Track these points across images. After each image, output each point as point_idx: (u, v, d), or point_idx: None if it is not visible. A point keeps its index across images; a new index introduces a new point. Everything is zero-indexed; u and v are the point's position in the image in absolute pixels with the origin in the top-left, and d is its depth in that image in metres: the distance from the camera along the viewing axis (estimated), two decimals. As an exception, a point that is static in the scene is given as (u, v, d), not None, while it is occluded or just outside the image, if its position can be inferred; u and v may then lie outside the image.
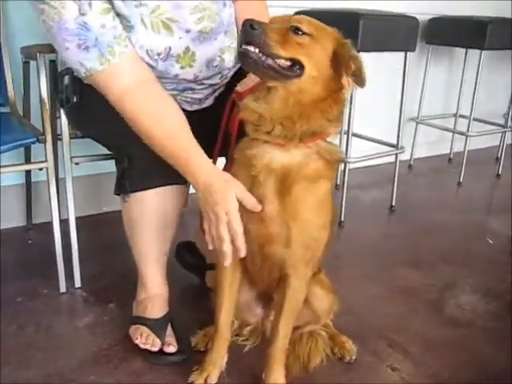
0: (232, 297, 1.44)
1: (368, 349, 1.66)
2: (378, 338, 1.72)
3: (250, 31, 1.16)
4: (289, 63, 1.19)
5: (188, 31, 1.45)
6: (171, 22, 1.42)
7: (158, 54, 1.42)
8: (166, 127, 1.35)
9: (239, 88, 1.46)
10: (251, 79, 1.42)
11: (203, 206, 1.28)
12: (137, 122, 1.36)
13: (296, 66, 1.19)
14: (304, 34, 1.20)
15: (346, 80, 1.23)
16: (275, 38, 1.18)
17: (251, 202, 1.24)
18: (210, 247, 1.27)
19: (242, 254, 1.24)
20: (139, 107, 1.36)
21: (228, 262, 1.24)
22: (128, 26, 1.38)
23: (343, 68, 1.22)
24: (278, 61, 1.18)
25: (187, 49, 1.46)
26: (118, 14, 1.37)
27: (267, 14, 1.66)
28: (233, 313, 1.47)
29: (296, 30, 1.19)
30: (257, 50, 1.17)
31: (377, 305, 1.92)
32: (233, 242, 1.23)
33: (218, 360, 1.46)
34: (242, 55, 1.19)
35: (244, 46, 1.18)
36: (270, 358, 1.42)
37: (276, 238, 1.28)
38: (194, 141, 1.33)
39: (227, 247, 1.23)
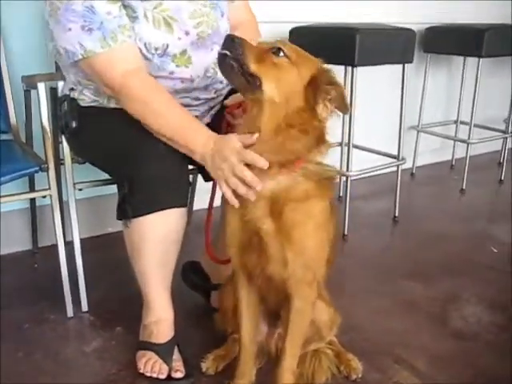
0: (251, 315, 1.46)
1: (374, 366, 1.67)
2: (384, 354, 1.73)
3: (230, 41, 1.26)
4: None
5: (187, 33, 1.50)
6: (172, 21, 1.48)
7: (156, 49, 1.47)
8: (176, 110, 1.43)
9: (228, 102, 1.51)
10: (239, 95, 1.49)
11: (215, 172, 1.34)
12: (145, 105, 1.41)
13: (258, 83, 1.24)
14: (284, 56, 1.24)
15: (323, 108, 1.24)
16: (251, 52, 1.25)
17: (249, 140, 1.27)
18: (235, 203, 1.30)
19: (259, 187, 1.25)
20: (145, 89, 1.42)
21: (253, 197, 1.27)
22: (133, 17, 1.44)
23: (319, 95, 1.23)
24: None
25: (184, 51, 1.51)
26: (124, 6, 1.43)
27: (253, 16, 1.80)
28: (255, 329, 1.49)
29: (277, 51, 1.24)
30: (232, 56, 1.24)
31: (381, 320, 1.93)
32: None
33: (247, 371, 1.49)
34: (220, 57, 1.26)
35: (224, 50, 1.25)
36: (277, 378, 1.43)
37: (274, 258, 1.31)
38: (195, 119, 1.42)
39: (242, 188, 1.27)
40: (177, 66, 1.51)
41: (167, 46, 1.47)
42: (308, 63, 1.27)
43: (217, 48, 1.55)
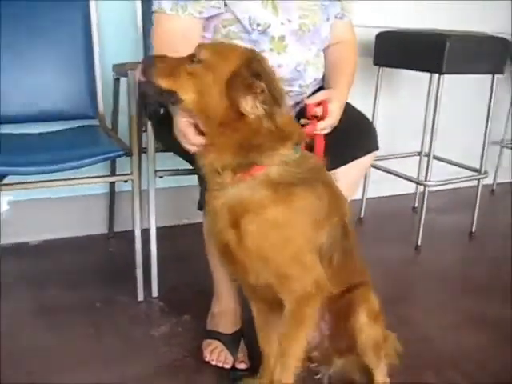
0: (261, 323, 1.44)
1: (441, 379, 1.61)
2: (452, 369, 1.66)
3: (141, 64, 1.24)
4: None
5: (290, 21, 1.51)
6: (279, 6, 1.49)
7: (258, 25, 1.48)
8: None
9: (308, 100, 1.49)
10: (320, 94, 1.48)
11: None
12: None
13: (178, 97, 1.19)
14: (199, 61, 1.19)
15: (248, 104, 1.16)
16: (162, 68, 1.20)
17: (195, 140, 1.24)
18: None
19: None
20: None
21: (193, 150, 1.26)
22: None
23: (235, 91, 1.16)
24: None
25: (283, 37, 1.51)
26: None
27: (353, 38, 1.73)
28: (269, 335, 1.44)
29: (193, 59, 1.20)
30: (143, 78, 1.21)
31: (451, 334, 1.86)
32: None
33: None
34: (138, 84, 1.28)
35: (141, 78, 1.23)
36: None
37: (248, 269, 1.25)
38: None
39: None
40: (271, 49, 1.51)
41: (269, 25, 1.48)
42: (227, 60, 1.19)
43: (314, 49, 1.57)
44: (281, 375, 1.28)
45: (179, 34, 1.47)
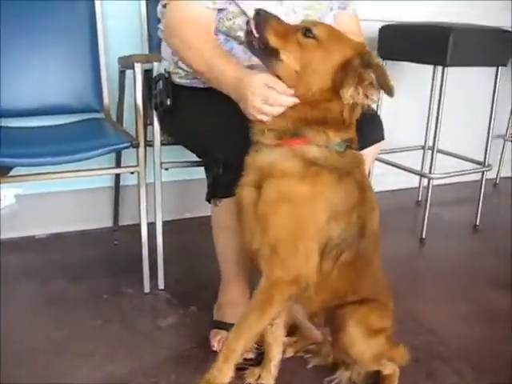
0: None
1: (451, 369, 1.62)
2: (462, 360, 1.66)
3: (256, 16, 1.26)
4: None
5: (295, 12, 1.54)
6: None
7: None
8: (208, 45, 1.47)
9: None
10: None
11: (244, 107, 1.32)
12: (182, 41, 1.50)
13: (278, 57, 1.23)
14: (314, 37, 1.22)
15: (352, 92, 1.20)
16: (274, 28, 1.24)
17: (279, 85, 1.24)
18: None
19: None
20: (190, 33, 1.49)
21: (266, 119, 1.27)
22: None
23: (347, 79, 1.20)
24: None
25: None
26: None
27: (358, 30, 1.72)
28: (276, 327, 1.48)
29: (306, 32, 1.23)
30: (255, 31, 1.24)
31: (459, 325, 1.86)
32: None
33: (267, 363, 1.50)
34: (245, 33, 1.28)
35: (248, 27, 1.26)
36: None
37: (248, 229, 1.31)
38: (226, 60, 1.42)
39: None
40: None
41: None
42: (340, 46, 1.24)
43: None
44: (230, 341, 1.31)
45: (191, 23, 1.49)
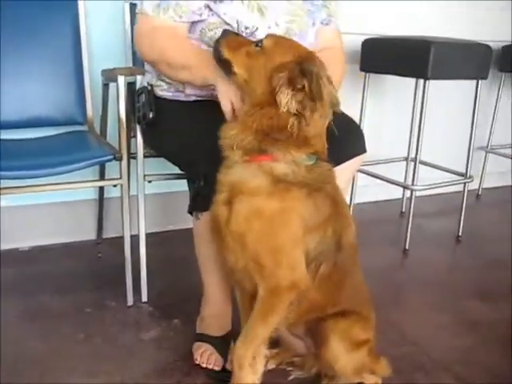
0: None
1: (433, 381, 1.62)
2: (444, 371, 1.68)
3: (222, 34, 1.39)
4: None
5: (277, 25, 1.57)
6: (265, 10, 1.56)
7: (246, 28, 1.54)
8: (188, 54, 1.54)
9: None
10: None
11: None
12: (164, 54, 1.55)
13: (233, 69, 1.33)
14: (261, 46, 1.30)
15: (284, 97, 1.20)
16: (229, 42, 1.35)
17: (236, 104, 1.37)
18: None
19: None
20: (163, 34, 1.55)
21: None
22: None
23: (276, 82, 1.22)
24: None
25: None
26: None
27: (340, 44, 1.76)
28: None
29: (258, 43, 1.31)
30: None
31: (442, 336, 1.88)
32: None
33: None
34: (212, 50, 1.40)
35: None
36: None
37: (230, 248, 1.32)
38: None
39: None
40: None
41: (257, 29, 1.53)
42: (284, 51, 1.28)
43: None
44: (239, 349, 1.35)
45: (161, 30, 1.54)
